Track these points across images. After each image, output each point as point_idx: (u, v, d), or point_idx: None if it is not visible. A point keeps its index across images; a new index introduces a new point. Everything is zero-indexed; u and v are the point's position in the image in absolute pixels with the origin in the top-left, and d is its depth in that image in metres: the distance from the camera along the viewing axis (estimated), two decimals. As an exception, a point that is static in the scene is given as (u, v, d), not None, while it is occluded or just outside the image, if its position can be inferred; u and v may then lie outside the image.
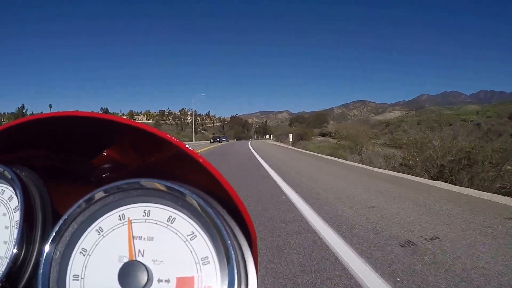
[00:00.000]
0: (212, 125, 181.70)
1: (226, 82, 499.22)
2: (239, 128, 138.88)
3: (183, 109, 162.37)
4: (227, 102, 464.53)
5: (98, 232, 0.30)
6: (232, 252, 0.25)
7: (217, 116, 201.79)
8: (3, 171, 0.35)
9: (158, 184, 0.29)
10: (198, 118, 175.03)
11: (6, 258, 0.32)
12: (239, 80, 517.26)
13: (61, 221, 0.30)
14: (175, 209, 0.29)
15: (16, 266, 0.30)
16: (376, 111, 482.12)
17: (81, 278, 0.28)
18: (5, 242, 0.33)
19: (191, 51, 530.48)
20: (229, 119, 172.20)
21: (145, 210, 0.29)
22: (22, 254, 0.30)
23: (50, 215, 0.34)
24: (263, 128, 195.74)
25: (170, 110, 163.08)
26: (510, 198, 3.82)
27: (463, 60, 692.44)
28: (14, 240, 0.31)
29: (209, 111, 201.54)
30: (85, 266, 0.29)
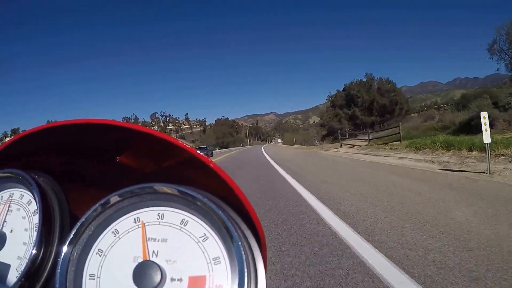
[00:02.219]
0: (190, 131, 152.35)
1: (211, 87, 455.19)
2: (225, 130, 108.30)
3: (153, 114, 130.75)
4: (213, 108, 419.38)
5: (114, 234, 0.31)
6: (243, 252, 0.26)
7: (199, 119, 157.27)
8: (22, 177, 0.36)
9: (171, 189, 0.30)
10: (171, 124, 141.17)
11: (26, 258, 0.33)
12: (225, 85, 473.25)
13: (78, 224, 0.31)
14: (188, 212, 0.29)
15: (34, 266, 0.31)
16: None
17: (97, 277, 0.29)
18: (24, 244, 0.34)
19: (173, 57, 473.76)
20: (212, 124, 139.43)
21: (159, 213, 0.30)
22: (41, 254, 0.31)
23: (68, 218, 0.35)
24: (255, 130, 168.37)
25: (136, 116, 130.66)
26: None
27: (437, 50, 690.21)
28: (33, 241, 0.32)
29: (187, 114, 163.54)
30: (101, 266, 0.30)
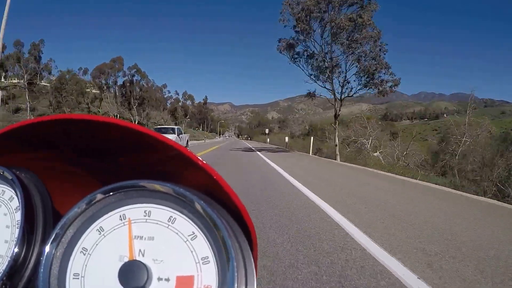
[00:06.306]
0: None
1: (160, 69, 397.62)
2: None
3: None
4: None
5: (99, 231, 0.30)
6: (233, 252, 0.25)
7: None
8: (3, 173, 0.35)
9: (158, 186, 0.29)
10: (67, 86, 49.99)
11: (7, 256, 0.32)
12: (178, 69, 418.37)
13: (62, 222, 0.30)
14: (176, 209, 0.29)
15: (17, 265, 0.30)
16: (324, 105, 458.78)
17: (82, 277, 0.28)
18: (6, 241, 0.33)
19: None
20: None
21: (145, 211, 0.29)
22: (23, 253, 0.30)
23: (51, 215, 0.34)
24: (200, 113, 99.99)
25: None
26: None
27: (404, 62, 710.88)
28: (15, 239, 0.31)
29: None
30: (86, 265, 0.29)
